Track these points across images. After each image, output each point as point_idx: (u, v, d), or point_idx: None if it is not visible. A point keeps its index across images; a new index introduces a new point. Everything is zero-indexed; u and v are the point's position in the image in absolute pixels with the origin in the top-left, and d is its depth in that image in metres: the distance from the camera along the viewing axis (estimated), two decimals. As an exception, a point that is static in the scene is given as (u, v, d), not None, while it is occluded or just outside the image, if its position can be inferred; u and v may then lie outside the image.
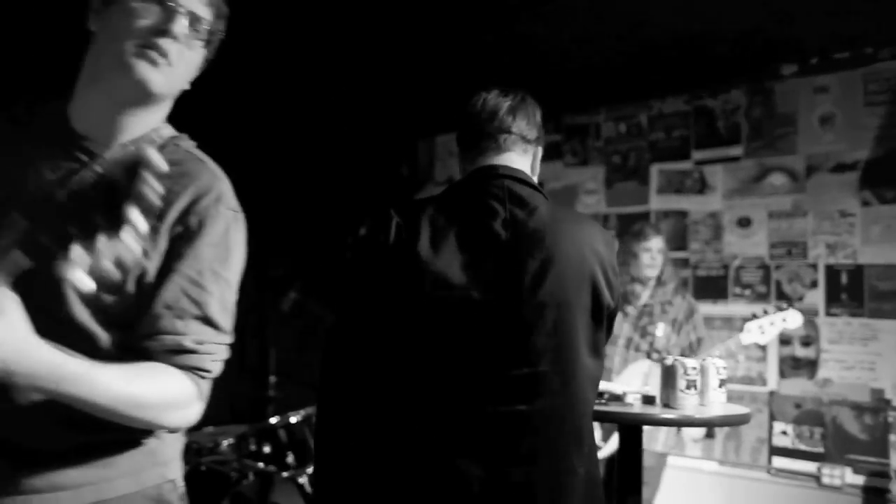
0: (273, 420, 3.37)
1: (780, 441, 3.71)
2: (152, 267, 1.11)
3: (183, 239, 1.12)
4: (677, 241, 4.10)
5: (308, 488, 3.18)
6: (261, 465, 3.18)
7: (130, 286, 1.09)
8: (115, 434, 1.10)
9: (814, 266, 3.70)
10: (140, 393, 1.05)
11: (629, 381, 3.22)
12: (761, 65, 3.87)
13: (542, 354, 1.37)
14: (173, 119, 1.27)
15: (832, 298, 3.64)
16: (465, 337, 1.37)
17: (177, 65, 1.14)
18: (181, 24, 1.13)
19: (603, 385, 2.09)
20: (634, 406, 1.89)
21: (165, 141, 1.19)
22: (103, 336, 1.09)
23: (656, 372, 1.92)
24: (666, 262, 3.36)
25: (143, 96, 1.14)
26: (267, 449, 3.35)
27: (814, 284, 3.69)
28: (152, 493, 1.17)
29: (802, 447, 3.64)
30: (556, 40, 3.64)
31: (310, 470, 3.35)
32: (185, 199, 1.13)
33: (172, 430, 1.17)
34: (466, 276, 1.37)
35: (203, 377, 1.13)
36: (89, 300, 1.05)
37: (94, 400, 1.00)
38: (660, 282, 3.33)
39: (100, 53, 1.15)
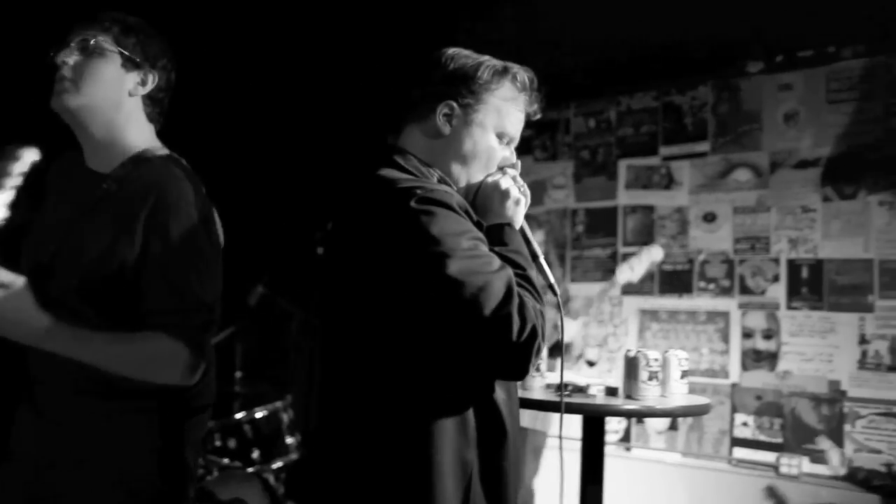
0: (238, 415, 3.34)
1: (741, 432, 3.78)
2: (131, 259, 1.41)
3: (157, 234, 1.41)
4: (644, 235, 4.15)
5: (273, 483, 3.15)
6: (226, 460, 3.15)
7: (115, 279, 1.41)
8: (121, 402, 1.42)
9: (776, 260, 3.76)
10: (122, 351, 1.37)
11: None
12: (728, 62, 3.92)
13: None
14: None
15: (793, 292, 3.71)
16: None
17: (80, 81, 1.46)
18: (66, 52, 1.46)
19: (566, 377, 2.11)
20: (597, 397, 1.91)
21: (139, 154, 1.52)
22: (95, 318, 1.40)
23: None
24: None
25: (67, 115, 1.49)
26: (232, 444, 3.32)
27: (776, 279, 3.75)
28: (146, 459, 1.45)
29: (762, 438, 3.71)
30: (525, 38, 3.65)
31: (276, 465, 3.33)
32: (150, 201, 1.42)
33: (165, 387, 1.42)
34: None
35: (193, 340, 1.41)
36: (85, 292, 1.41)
37: (85, 356, 1.33)
38: None
39: None
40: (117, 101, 1.50)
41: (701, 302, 3.95)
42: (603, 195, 4.31)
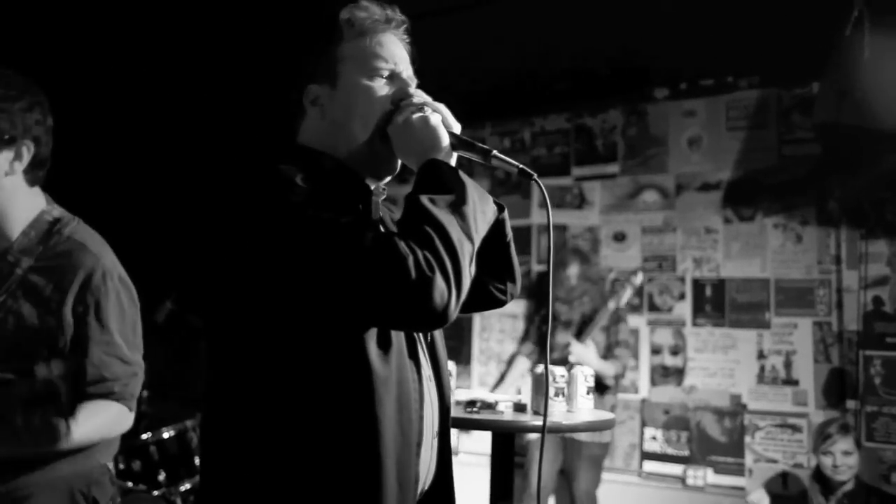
0: (144, 436, 3.21)
1: (650, 446, 3.89)
2: (66, 339, 1.48)
3: (87, 314, 1.49)
4: (558, 254, 4.24)
5: (180, 506, 3.04)
6: (129, 483, 3.02)
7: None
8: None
9: (682, 279, 3.92)
10: (92, 431, 1.51)
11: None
12: (636, 87, 4.08)
13: None
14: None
15: (698, 309, 3.86)
16: None
17: None
18: None
19: (476, 394, 2.13)
20: (505, 414, 1.93)
21: (49, 227, 1.51)
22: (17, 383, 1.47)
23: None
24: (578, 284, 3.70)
25: None
26: (137, 467, 3.18)
27: (682, 296, 3.90)
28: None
29: (670, 451, 3.84)
30: (444, 56, 3.69)
31: (183, 487, 3.21)
32: (76, 285, 1.47)
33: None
34: None
35: (132, 401, 1.59)
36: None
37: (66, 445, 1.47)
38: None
39: None
40: None
41: (611, 319, 4.06)
42: (517, 214, 4.39)
